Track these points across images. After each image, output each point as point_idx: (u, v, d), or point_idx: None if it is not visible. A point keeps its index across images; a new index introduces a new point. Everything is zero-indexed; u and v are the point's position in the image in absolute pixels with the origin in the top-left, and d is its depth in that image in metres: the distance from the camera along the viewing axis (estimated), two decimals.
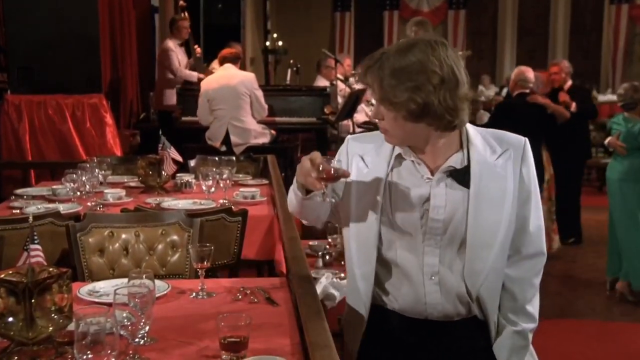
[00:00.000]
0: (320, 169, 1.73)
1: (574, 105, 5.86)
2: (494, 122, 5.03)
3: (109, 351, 1.41)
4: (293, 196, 1.91)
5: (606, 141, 5.04)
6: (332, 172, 1.74)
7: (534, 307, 1.92)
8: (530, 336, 1.93)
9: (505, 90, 8.58)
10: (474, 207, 1.80)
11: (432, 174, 1.83)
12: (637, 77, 6.00)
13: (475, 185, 1.81)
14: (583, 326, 4.46)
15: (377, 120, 1.82)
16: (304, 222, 2.05)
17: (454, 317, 1.87)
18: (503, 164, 1.84)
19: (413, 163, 1.85)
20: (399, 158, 1.87)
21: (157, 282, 1.98)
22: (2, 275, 1.63)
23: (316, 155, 1.77)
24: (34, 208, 3.27)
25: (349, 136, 2.00)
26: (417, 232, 1.83)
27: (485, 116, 9.01)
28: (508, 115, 5.49)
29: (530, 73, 5.74)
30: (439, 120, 1.75)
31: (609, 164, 5.06)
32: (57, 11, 5.60)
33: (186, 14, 7.52)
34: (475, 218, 1.80)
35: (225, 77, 5.99)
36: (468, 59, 14.52)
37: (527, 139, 1.88)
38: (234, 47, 7.46)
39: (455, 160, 1.83)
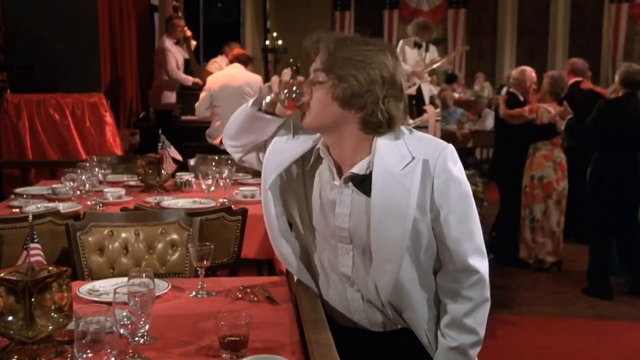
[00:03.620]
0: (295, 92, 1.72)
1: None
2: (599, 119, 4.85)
3: (109, 350, 1.41)
4: (243, 115, 1.87)
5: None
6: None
7: (474, 321, 1.76)
8: (472, 352, 1.78)
9: (504, 90, 8.56)
10: (375, 218, 1.69)
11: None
12: None
13: (376, 194, 1.69)
14: (583, 326, 4.46)
15: (301, 91, 1.72)
16: (232, 143, 1.97)
17: (383, 327, 1.83)
18: (407, 175, 1.68)
19: (328, 165, 1.79)
20: (319, 157, 1.81)
21: (157, 281, 1.98)
22: (2, 274, 1.63)
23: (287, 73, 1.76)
24: (33, 207, 3.27)
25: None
26: (332, 238, 1.80)
27: (490, 115, 8.96)
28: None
29: None
30: (368, 117, 1.68)
31: None
32: (57, 10, 5.61)
33: (180, 12, 7.52)
34: (377, 229, 1.69)
35: (232, 75, 6.01)
36: (468, 58, 14.56)
37: (446, 147, 1.71)
38: (233, 47, 7.47)
39: (361, 167, 1.73)
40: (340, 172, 1.77)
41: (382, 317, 1.83)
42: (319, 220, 1.82)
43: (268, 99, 1.79)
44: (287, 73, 1.76)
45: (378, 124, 1.69)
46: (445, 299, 1.78)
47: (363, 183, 1.72)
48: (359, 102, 1.67)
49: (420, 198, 1.68)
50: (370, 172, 1.71)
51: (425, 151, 1.70)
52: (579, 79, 6.05)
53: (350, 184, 1.74)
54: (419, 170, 1.68)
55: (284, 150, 1.84)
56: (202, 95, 6.06)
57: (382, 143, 1.72)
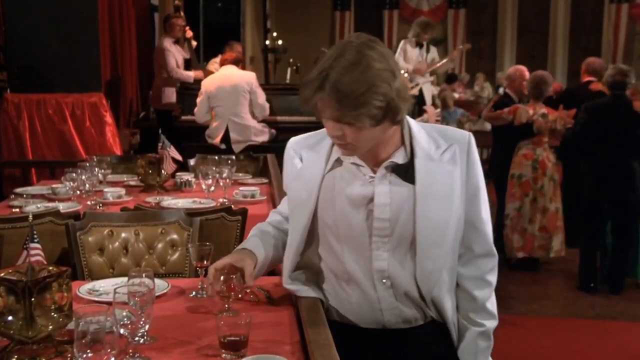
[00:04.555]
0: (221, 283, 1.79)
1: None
2: None
3: (109, 350, 1.41)
4: None
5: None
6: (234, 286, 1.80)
7: (492, 305, 1.88)
8: (492, 336, 1.90)
9: (501, 89, 8.58)
10: (421, 204, 1.74)
11: (375, 172, 1.78)
12: (637, 76, 5.99)
13: (420, 180, 1.75)
14: (583, 326, 4.46)
15: (337, 142, 1.73)
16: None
17: (413, 323, 1.82)
18: (449, 159, 1.78)
19: (354, 165, 1.79)
20: (339, 160, 1.82)
21: (157, 280, 1.98)
22: (2, 274, 1.63)
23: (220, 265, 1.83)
24: (33, 207, 3.27)
25: (291, 139, 1.96)
26: (363, 236, 1.78)
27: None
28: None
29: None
30: (398, 114, 1.70)
31: None
32: (57, 10, 5.61)
33: (181, 12, 7.52)
34: (424, 215, 1.74)
35: (227, 75, 6.04)
36: (468, 58, 14.55)
37: (471, 134, 1.84)
38: (235, 46, 7.47)
39: (398, 156, 1.77)
40: (370, 168, 1.79)
41: (413, 311, 1.82)
42: (343, 220, 1.79)
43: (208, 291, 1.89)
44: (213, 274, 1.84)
45: (403, 112, 1.73)
46: (470, 286, 1.85)
47: (403, 171, 1.77)
48: (388, 112, 1.68)
49: (461, 181, 1.78)
50: (409, 160, 1.77)
51: (455, 137, 1.81)
52: (592, 78, 6.00)
53: (387, 173, 1.77)
54: (457, 154, 1.78)
55: (300, 174, 1.87)
56: (199, 99, 6.07)
57: (415, 132, 1.79)
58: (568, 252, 5.68)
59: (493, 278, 1.87)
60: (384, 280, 1.79)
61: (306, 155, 1.87)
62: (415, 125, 1.81)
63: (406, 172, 1.77)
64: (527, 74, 5.69)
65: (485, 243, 1.84)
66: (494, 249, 1.87)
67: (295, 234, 1.87)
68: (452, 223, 1.76)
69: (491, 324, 1.87)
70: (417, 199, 1.74)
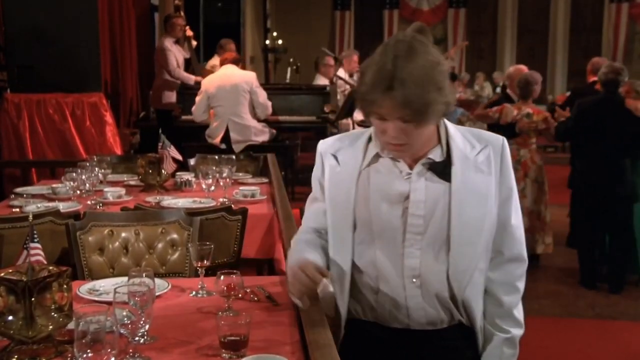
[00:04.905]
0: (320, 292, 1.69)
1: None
2: None
3: (109, 350, 1.41)
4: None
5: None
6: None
7: (519, 313, 1.88)
8: (517, 344, 1.88)
9: (498, 89, 8.57)
10: (456, 202, 1.74)
11: (411, 169, 1.78)
12: (637, 76, 5.99)
13: (456, 178, 1.75)
14: (583, 326, 4.46)
15: (396, 142, 1.71)
16: None
17: (438, 325, 1.80)
18: (484, 160, 1.79)
19: (392, 160, 1.79)
20: (377, 156, 1.81)
21: (157, 280, 1.98)
22: (2, 274, 1.63)
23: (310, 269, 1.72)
24: (33, 207, 3.26)
25: (320, 141, 1.94)
26: (396, 232, 1.76)
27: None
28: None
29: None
30: (447, 110, 1.71)
31: None
32: (57, 10, 5.61)
33: (181, 12, 7.52)
34: (459, 213, 1.73)
35: (227, 75, 6.04)
36: (468, 58, 14.56)
37: (505, 139, 1.84)
38: (227, 47, 7.47)
39: (435, 154, 1.77)
40: (407, 164, 1.79)
41: (440, 313, 1.79)
42: (378, 215, 1.78)
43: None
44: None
45: (449, 104, 1.72)
46: (499, 291, 1.85)
47: (439, 169, 1.77)
48: (445, 108, 1.69)
49: (495, 182, 1.79)
50: (445, 158, 1.78)
51: (489, 140, 1.82)
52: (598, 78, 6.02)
53: (424, 170, 1.77)
54: (491, 157, 1.79)
55: (339, 173, 1.85)
56: (198, 98, 6.07)
57: (452, 131, 1.80)
58: (566, 251, 5.69)
59: (522, 285, 1.89)
60: (414, 279, 1.76)
61: (342, 155, 1.86)
62: (450, 125, 1.82)
63: (442, 170, 1.77)
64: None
65: (515, 247, 1.84)
66: (525, 254, 1.87)
67: (341, 234, 1.82)
68: (486, 223, 1.76)
69: (517, 331, 1.87)
70: (453, 196, 1.74)
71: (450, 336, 1.82)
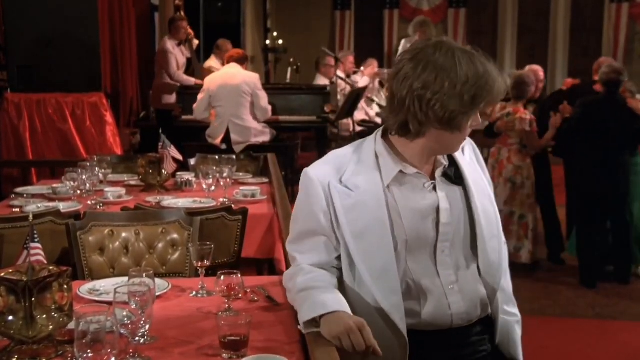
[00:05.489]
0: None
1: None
2: None
3: (109, 350, 1.41)
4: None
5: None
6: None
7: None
8: None
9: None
10: (476, 201, 1.82)
11: (429, 180, 1.82)
12: (637, 76, 6.00)
13: (468, 179, 1.84)
14: (583, 326, 4.46)
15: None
16: None
17: (473, 320, 1.85)
18: (472, 158, 1.92)
19: (415, 175, 1.80)
20: (400, 174, 1.79)
21: (157, 280, 1.98)
22: (2, 274, 1.63)
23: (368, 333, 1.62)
24: (34, 207, 3.27)
25: (305, 170, 1.83)
26: (431, 245, 1.78)
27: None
28: None
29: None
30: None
31: None
32: (57, 9, 5.61)
33: (182, 13, 7.52)
34: (481, 210, 1.82)
35: (229, 75, 6.01)
36: None
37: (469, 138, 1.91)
38: (223, 47, 7.47)
39: (441, 161, 1.84)
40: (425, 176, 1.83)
41: (478, 309, 1.83)
42: (414, 232, 1.77)
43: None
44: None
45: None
46: (503, 277, 1.90)
47: (450, 174, 1.84)
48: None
49: (484, 175, 1.93)
50: (449, 164, 1.85)
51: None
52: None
53: (441, 179, 1.83)
54: (472, 153, 1.93)
55: (359, 201, 1.77)
56: (200, 96, 6.06)
57: None
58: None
59: (507, 266, 1.95)
60: (451, 286, 1.79)
61: (353, 180, 1.78)
62: None
63: (454, 174, 1.84)
64: (541, 74, 5.66)
65: (500, 234, 1.90)
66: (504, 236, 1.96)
67: (382, 262, 1.74)
68: (497, 214, 1.88)
69: (519, 313, 1.95)
70: (472, 196, 1.82)
71: (478, 329, 1.87)
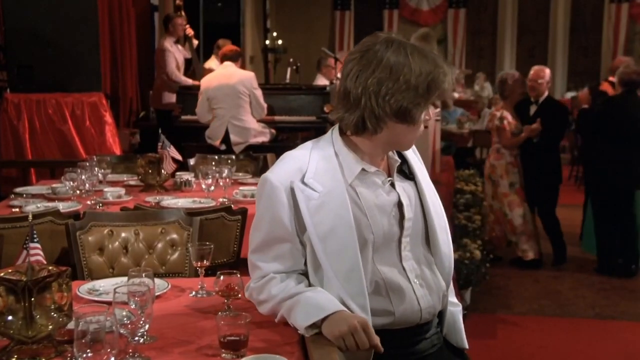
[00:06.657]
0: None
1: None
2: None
3: (109, 350, 1.41)
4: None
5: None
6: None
7: None
8: None
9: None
10: (425, 195, 1.86)
11: (386, 176, 1.85)
12: None
13: (417, 174, 1.90)
14: (583, 326, 4.46)
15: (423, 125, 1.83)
16: None
17: (437, 313, 1.89)
18: (414, 154, 1.95)
19: (375, 173, 1.82)
20: (362, 173, 1.79)
21: (157, 280, 1.98)
22: (2, 274, 1.63)
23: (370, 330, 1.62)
24: (33, 206, 3.26)
25: (264, 176, 1.80)
26: (395, 240, 1.80)
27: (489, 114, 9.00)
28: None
29: None
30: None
31: None
32: (57, 9, 5.61)
33: (182, 12, 7.51)
34: (431, 204, 1.87)
35: (225, 75, 5.99)
36: (468, 58, 14.56)
37: None
38: (225, 45, 7.46)
39: (395, 158, 1.86)
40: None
41: (440, 303, 1.87)
42: (380, 229, 1.77)
43: None
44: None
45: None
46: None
47: (403, 170, 1.88)
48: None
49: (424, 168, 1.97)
50: (399, 157, 1.87)
51: None
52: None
53: (399, 176, 1.86)
54: (414, 149, 1.96)
55: (323, 202, 1.74)
56: (199, 99, 6.05)
57: None
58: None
59: None
60: (416, 281, 1.81)
61: (317, 180, 1.75)
62: None
63: (407, 170, 1.89)
64: (542, 74, 5.67)
65: (447, 224, 1.93)
66: None
67: (349, 262, 1.72)
68: (442, 207, 1.91)
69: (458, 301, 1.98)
70: (422, 190, 1.87)
71: (435, 323, 1.90)
